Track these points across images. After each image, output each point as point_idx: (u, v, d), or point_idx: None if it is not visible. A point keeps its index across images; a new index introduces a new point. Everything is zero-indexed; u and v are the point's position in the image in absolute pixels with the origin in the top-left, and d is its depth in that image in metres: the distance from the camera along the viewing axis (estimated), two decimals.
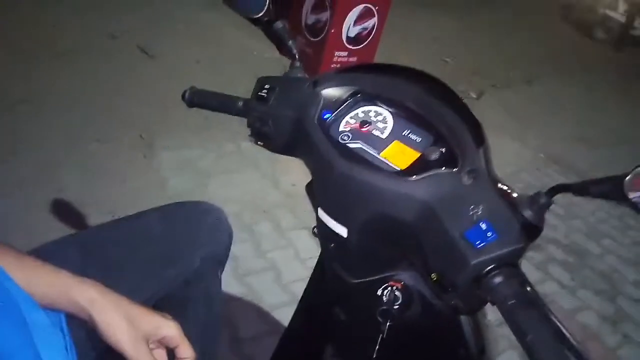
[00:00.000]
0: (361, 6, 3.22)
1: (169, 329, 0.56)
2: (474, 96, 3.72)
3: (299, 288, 1.01)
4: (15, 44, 2.66)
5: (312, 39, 3.34)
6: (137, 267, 0.69)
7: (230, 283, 1.73)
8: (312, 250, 1.84)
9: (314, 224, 0.74)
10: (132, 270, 0.64)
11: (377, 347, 0.72)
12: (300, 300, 1.03)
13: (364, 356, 0.77)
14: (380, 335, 0.70)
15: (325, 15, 3.22)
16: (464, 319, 0.66)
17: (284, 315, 1.24)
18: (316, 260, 0.89)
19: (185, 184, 2.12)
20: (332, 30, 3.20)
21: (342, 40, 3.29)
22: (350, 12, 3.21)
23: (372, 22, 3.36)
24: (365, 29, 3.35)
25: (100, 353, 0.61)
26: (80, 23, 3.04)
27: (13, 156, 1.99)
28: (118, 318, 0.52)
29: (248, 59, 3.25)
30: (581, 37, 6.17)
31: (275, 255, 1.90)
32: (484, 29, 5.14)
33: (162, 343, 0.57)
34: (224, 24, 3.58)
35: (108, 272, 0.57)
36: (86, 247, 0.67)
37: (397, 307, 0.69)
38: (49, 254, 0.56)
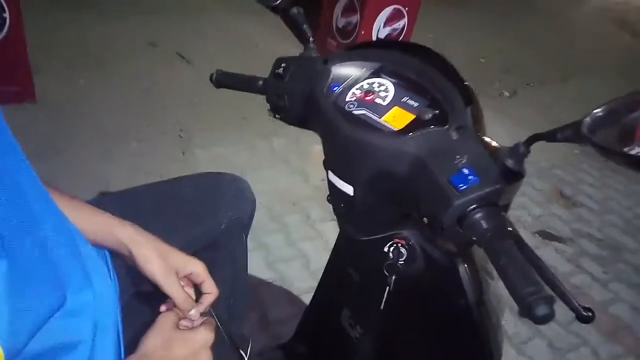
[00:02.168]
0: (391, 7, 3.28)
1: (195, 265, 0.65)
2: (507, 94, 3.71)
3: None
4: (62, 53, 2.88)
5: (342, 41, 3.43)
6: (167, 222, 0.78)
7: (261, 269, 1.82)
8: None
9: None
10: (162, 224, 0.72)
11: (384, 299, 0.78)
12: (322, 274, 1.11)
13: (375, 312, 0.84)
14: (387, 288, 0.77)
15: (355, 18, 3.30)
16: (462, 271, 0.72)
17: None
18: None
19: None
20: (362, 32, 3.28)
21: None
22: (380, 14, 3.28)
23: (402, 23, 3.42)
24: (395, 30, 3.42)
25: (139, 290, 0.71)
26: (121, 33, 3.25)
27: (60, 155, 2.16)
28: (152, 252, 0.62)
29: None
30: (621, 34, 5.99)
31: (304, 245, 1.98)
32: (518, 28, 5.10)
33: (189, 279, 0.67)
34: (255, 29, 3.73)
35: (143, 224, 0.67)
36: (123, 204, 0.77)
37: (401, 262, 0.76)
38: (93, 204, 0.66)
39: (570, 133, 0.52)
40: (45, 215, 0.49)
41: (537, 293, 0.47)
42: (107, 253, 0.65)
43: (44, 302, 0.44)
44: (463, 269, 0.72)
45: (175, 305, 0.63)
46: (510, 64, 4.23)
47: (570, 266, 2.21)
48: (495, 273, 0.53)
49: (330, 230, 2.06)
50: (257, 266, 1.84)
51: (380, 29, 3.34)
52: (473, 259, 0.73)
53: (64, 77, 2.68)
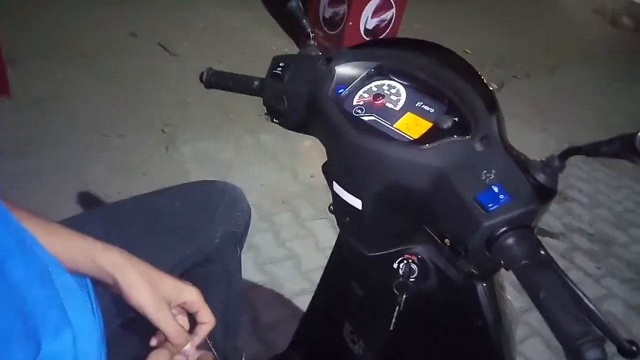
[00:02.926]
0: None
1: (190, 293, 0.58)
2: (495, 87, 3.67)
3: (319, 276, 1.02)
4: (39, 44, 2.75)
5: (329, 32, 3.35)
6: (156, 241, 0.71)
7: (251, 271, 1.76)
8: (331, 240, 1.83)
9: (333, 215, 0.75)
10: (151, 244, 0.66)
11: (394, 319, 0.72)
12: (320, 281, 1.05)
13: (382, 330, 0.78)
14: (397, 308, 0.71)
15: (342, 9, 3.22)
16: (480, 290, 0.66)
17: (304, 302, 1.26)
18: None
19: (206, 176, 2.16)
20: (350, 23, 3.20)
21: (360, 33, 3.28)
22: (368, 5, 3.20)
23: (390, 14, 3.35)
24: (383, 20, 3.35)
25: (125, 319, 0.64)
26: (101, 23, 3.11)
27: (38, 152, 2.05)
28: (141, 281, 0.54)
29: (267, 54, 3.27)
30: (605, 24, 6.02)
31: (295, 245, 1.92)
32: (504, 20, 5.07)
33: (183, 308, 0.59)
34: (242, 20, 3.62)
35: (128, 244, 0.59)
36: (108, 221, 0.69)
37: (413, 279, 0.70)
38: (73, 225, 0.58)
39: (620, 147, 0.46)
40: (8, 246, 0.42)
41: (587, 335, 0.41)
42: (88, 281, 0.57)
43: (14, 358, 0.37)
44: (481, 288, 0.66)
45: (167, 339, 0.56)
46: (496, 55, 4.20)
47: (564, 262, 2.19)
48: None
49: (321, 229, 2.00)
50: (246, 268, 1.76)
51: (368, 20, 3.27)
52: (492, 276, 0.67)
53: (40, 70, 2.55)
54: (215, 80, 0.82)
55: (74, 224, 0.61)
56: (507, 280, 0.72)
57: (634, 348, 0.47)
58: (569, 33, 5.32)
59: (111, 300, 0.59)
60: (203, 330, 0.60)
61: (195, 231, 0.77)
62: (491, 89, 0.62)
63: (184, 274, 0.78)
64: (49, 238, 0.52)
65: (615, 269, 2.23)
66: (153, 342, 0.57)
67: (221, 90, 0.83)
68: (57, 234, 0.54)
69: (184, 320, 0.60)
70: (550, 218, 2.46)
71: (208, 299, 0.62)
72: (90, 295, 0.56)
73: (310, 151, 2.43)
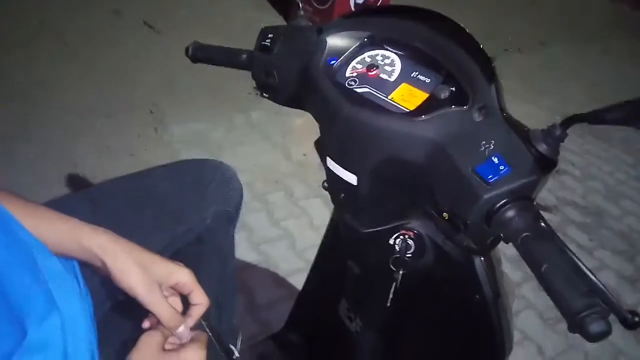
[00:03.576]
0: None
1: (182, 274, 0.56)
2: None
3: (313, 254, 1.01)
4: (18, 26, 2.66)
5: (319, 6, 3.28)
6: (146, 222, 0.69)
7: (245, 251, 1.75)
8: (325, 218, 1.82)
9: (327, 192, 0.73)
10: (141, 224, 0.64)
11: (391, 296, 0.72)
12: (315, 259, 1.04)
13: (378, 307, 0.77)
14: (394, 284, 0.70)
15: None
16: (478, 264, 0.65)
17: (299, 281, 1.25)
18: None
19: (196, 156, 2.10)
20: None
21: (351, 7, 3.22)
22: None
23: None
24: None
25: (116, 302, 0.62)
26: (83, 1, 3.02)
27: (27, 136, 2.01)
28: (131, 263, 0.52)
29: (255, 30, 3.21)
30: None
31: (289, 224, 1.91)
32: None
33: (175, 290, 0.58)
34: None
35: (118, 225, 0.57)
36: (96, 202, 0.67)
37: (409, 255, 0.68)
38: (60, 207, 0.56)
39: (626, 114, 0.44)
40: None
41: (591, 307, 0.40)
42: (76, 264, 0.55)
43: None
44: (479, 262, 0.65)
45: (159, 322, 0.54)
46: (488, 29, 4.14)
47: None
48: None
49: (315, 208, 1.99)
50: (240, 248, 1.75)
51: None
52: (490, 250, 0.66)
53: (21, 53, 2.48)
54: (202, 54, 0.79)
55: (60, 205, 0.59)
56: (502, 253, 0.71)
57: (637, 319, 0.47)
58: (561, 5, 5.26)
59: (100, 282, 0.57)
60: (196, 311, 0.58)
61: (186, 211, 0.75)
62: (490, 56, 0.60)
63: (176, 254, 0.76)
64: (34, 221, 0.50)
65: (607, 240, 2.25)
66: (145, 324, 0.56)
67: (208, 64, 0.80)
68: (43, 216, 0.52)
69: (177, 302, 0.59)
70: (543, 191, 2.42)
71: (201, 279, 0.61)
72: (78, 279, 0.54)
73: (303, 129, 2.40)
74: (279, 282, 1.69)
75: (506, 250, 0.65)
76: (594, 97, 3.52)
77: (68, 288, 0.49)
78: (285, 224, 1.91)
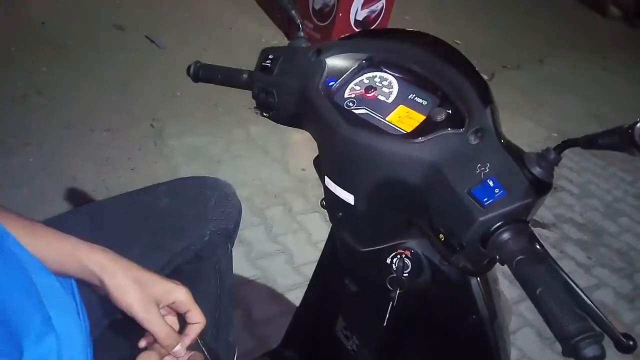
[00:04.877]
0: None
1: (179, 293, 0.56)
2: (486, 77, 3.65)
3: (311, 270, 1.01)
4: (24, 39, 2.69)
5: (319, 23, 3.32)
6: (145, 239, 0.69)
7: (243, 266, 1.74)
8: (323, 233, 1.83)
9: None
10: (140, 242, 0.64)
11: (388, 315, 0.72)
12: (313, 276, 1.04)
13: (375, 326, 0.77)
14: (391, 304, 0.70)
15: (332, 0, 3.19)
16: (474, 284, 0.66)
17: (297, 297, 1.25)
18: None
19: (195, 170, 2.13)
20: (340, 14, 3.17)
21: (350, 24, 3.26)
22: None
23: (380, 4, 3.32)
24: (373, 11, 3.32)
25: (113, 321, 0.62)
26: (86, 16, 3.05)
27: (27, 147, 2.01)
28: (128, 282, 0.53)
29: (256, 45, 3.24)
30: (594, 15, 6.03)
31: (287, 239, 1.91)
32: (493, 10, 5.06)
33: (172, 308, 0.58)
34: (230, 11, 3.57)
35: (117, 243, 0.58)
36: (96, 219, 0.67)
37: (406, 274, 0.69)
38: (59, 224, 0.56)
39: (617, 139, 0.45)
40: None
41: (585, 332, 0.40)
42: (73, 282, 0.55)
43: None
44: (476, 283, 0.65)
45: (156, 341, 0.54)
46: (486, 46, 4.19)
47: (555, 252, 2.20)
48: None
49: (314, 223, 1.99)
50: (238, 263, 1.75)
51: (358, 11, 3.24)
52: (486, 272, 0.66)
53: (24, 64, 2.50)
54: (203, 74, 0.80)
55: (59, 223, 0.59)
56: (500, 271, 0.71)
57: (631, 343, 0.47)
58: (559, 23, 5.32)
59: (98, 301, 0.57)
60: (193, 330, 0.58)
61: (185, 228, 0.75)
62: (485, 79, 0.61)
63: (175, 271, 0.76)
64: (32, 239, 0.50)
65: (605, 258, 2.25)
66: (142, 343, 0.56)
67: (208, 83, 0.81)
68: (41, 234, 0.52)
69: (174, 320, 0.59)
70: (542, 208, 2.43)
71: (199, 296, 0.61)
72: (76, 297, 0.54)
73: (302, 144, 2.41)
74: (277, 297, 1.68)
75: (504, 268, 0.65)
76: (593, 113, 3.54)
77: (65, 307, 0.49)
78: (284, 239, 1.91)
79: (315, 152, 0.71)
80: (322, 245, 0.95)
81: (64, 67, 2.56)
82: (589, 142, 0.48)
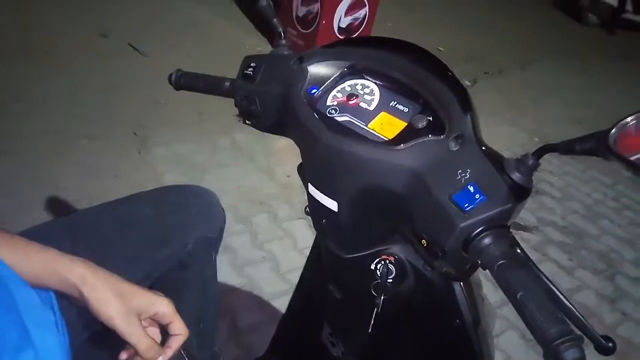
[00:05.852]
0: None
1: (161, 305, 0.56)
2: (468, 83, 3.71)
3: (297, 277, 1.01)
4: (2, 45, 2.65)
5: (303, 30, 3.33)
6: (127, 249, 0.69)
7: (228, 274, 1.73)
8: (309, 240, 1.84)
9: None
10: (122, 252, 0.63)
11: (373, 321, 0.72)
12: (298, 283, 1.03)
13: (360, 332, 0.77)
14: (375, 310, 0.70)
15: (315, 7, 3.20)
16: (458, 290, 0.66)
17: (283, 304, 1.24)
18: None
19: (180, 178, 2.12)
20: (323, 22, 3.19)
21: (334, 31, 3.28)
22: (341, 3, 3.20)
23: (364, 12, 3.35)
24: (356, 19, 3.34)
25: (93, 333, 0.61)
26: (69, 23, 3.02)
27: (7, 155, 1.98)
28: (109, 294, 0.52)
29: (240, 52, 3.24)
30: (573, 22, 6.15)
31: (272, 246, 1.90)
32: (474, 17, 5.14)
33: (154, 320, 0.57)
34: (214, 18, 3.57)
35: (98, 253, 0.57)
36: (76, 229, 0.66)
37: (390, 280, 0.69)
38: (38, 235, 0.55)
39: (594, 145, 0.46)
40: None
41: (565, 335, 0.41)
42: (52, 295, 0.54)
43: None
44: (459, 288, 0.66)
45: (137, 353, 0.54)
46: (469, 52, 4.25)
47: (537, 255, 2.22)
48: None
49: (299, 229, 1.99)
50: (223, 271, 1.74)
51: (341, 18, 3.26)
52: (469, 276, 0.67)
53: (4, 71, 2.46)
54: (185, 82, 0.80)
55: (39, 233, 0.58)
56: (483, 275, 0.72)
57: (610, 344, 0.48)
58: (539, 30, 5.42)
59: (77, 313, 0.56)
60: (176, 342, 0.57)
61: (168, 237, 0.75)
62: (465, 86, 0.62)
63: (158, 281, 0.75)
64: (10, 252, 0.49)
65: (587, 260, 2.28)
66: (123, 356, 0.55)
67: (190, 91, 0.80)
68: (20, 247, 0.51)
69: (155, 332, 0.58)
70: (524, 212, 2.44)
71: (183, 305, 0.60)
72: (55, 310, 0.53)
73: (287, 151, 2.41)
74: (262, 305, 1.67)
75: (487, 272, 0.66)
76: (574, 118, 3.60)
77: (43, 321, 0.48)
78: (269, 246, 1.90)
79: (300, 159, 0.71)
80: (307, 252, 0.95)
81: (46, 75, 2.53)
82: (566, 148, 0.49)
